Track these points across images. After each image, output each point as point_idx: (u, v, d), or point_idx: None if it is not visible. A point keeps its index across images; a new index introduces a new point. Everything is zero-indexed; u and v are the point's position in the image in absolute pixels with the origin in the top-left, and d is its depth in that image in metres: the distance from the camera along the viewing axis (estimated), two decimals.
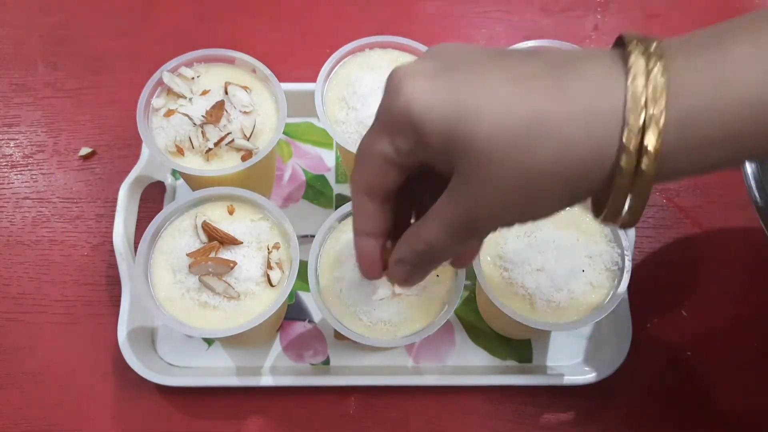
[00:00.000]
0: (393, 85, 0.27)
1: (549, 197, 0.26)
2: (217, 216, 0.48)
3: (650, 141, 0.24)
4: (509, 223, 0.28)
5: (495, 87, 0.25)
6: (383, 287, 0.46)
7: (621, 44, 0.26)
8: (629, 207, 0.26)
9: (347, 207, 0.48)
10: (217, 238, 0.46)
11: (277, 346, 0.54)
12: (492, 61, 0.27)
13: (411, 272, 0.32)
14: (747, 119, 0.24)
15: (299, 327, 0.55)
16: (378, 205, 0.30)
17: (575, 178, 0.25)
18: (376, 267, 0.32)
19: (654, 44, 0.25)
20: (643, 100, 0.24)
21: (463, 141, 0.25)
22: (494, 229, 0.29)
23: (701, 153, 0.25)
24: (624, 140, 0.24)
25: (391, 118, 0.27)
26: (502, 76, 0.26)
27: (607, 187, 0.25)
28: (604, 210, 0.26)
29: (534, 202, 0.26)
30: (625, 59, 0.25)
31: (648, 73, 0.24)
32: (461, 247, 0.30)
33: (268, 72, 0.53)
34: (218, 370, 0.53)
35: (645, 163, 0.24)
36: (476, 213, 0.27)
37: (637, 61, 0.24)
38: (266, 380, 0.52)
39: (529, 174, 0.25)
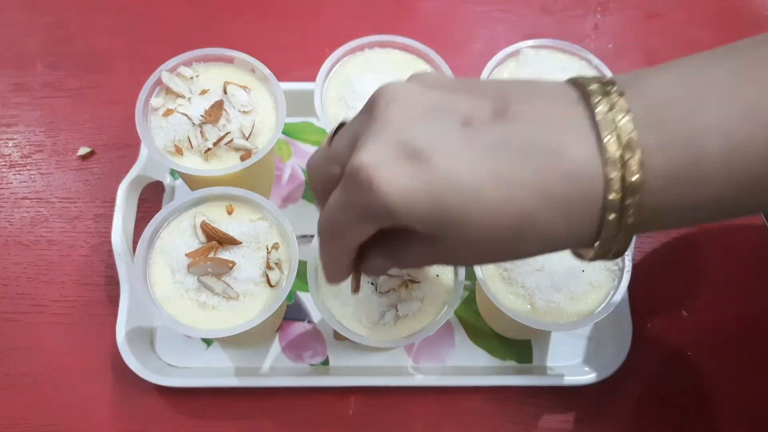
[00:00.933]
0: (362, 181, 0.26)
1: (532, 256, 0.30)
2: (216, 216, 0.48)
3: (631, 172, 0.25)
4: None
5: (477, 190, 0.26)
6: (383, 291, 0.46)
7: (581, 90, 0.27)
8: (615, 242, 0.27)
9: None
10: (216, 238, 0.46)
11: (276, 347, 0.54)
12: (460, 147, 0.26)
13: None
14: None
15: (298, 327, 0.55)
16: (350, 257, 0.32)
17: (559, 249, 0.29)
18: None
19: (614, 93, 0.26)
20: (618, 153, 0.25)
21: (450, 235, 0.27)
22: None
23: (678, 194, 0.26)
24: (610, 197, 0.25)
25: (372, 213, 0.27)
26: (480, 175, 0.26)
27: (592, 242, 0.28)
28: (590, 254, 0.28)
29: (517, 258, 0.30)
30: (589, 112, 0.26)
31: (615, 126, 0.25)
32: None
33: (267, 71, 0.53)
34: (217, 371, 0.53)
35: (630, 201, 0.25)
36: (458, 262, 0.31)
37: (604, 118, 0.25)
38: (265, 381, 0.51)
39: (514, 255, 0.29)
